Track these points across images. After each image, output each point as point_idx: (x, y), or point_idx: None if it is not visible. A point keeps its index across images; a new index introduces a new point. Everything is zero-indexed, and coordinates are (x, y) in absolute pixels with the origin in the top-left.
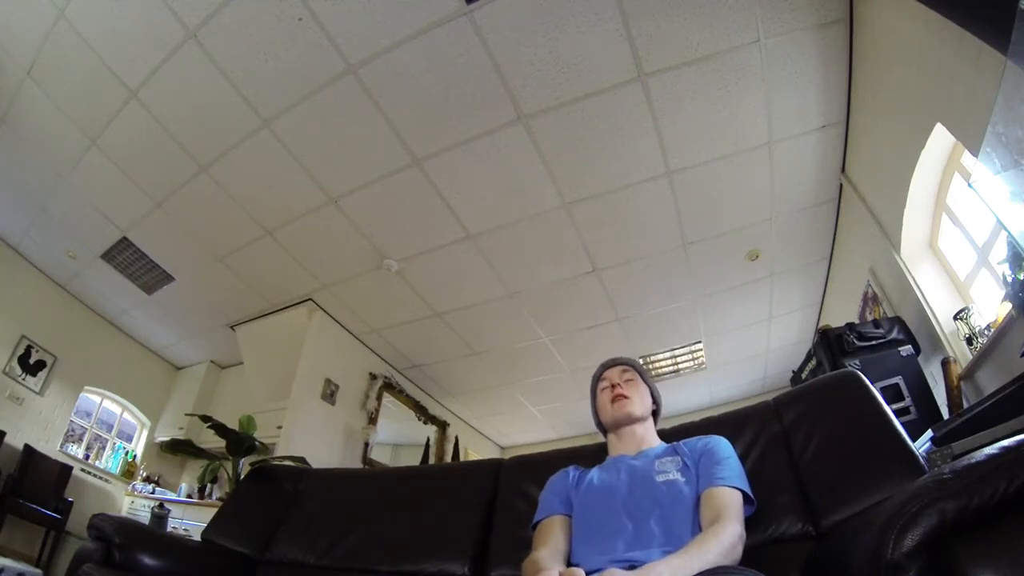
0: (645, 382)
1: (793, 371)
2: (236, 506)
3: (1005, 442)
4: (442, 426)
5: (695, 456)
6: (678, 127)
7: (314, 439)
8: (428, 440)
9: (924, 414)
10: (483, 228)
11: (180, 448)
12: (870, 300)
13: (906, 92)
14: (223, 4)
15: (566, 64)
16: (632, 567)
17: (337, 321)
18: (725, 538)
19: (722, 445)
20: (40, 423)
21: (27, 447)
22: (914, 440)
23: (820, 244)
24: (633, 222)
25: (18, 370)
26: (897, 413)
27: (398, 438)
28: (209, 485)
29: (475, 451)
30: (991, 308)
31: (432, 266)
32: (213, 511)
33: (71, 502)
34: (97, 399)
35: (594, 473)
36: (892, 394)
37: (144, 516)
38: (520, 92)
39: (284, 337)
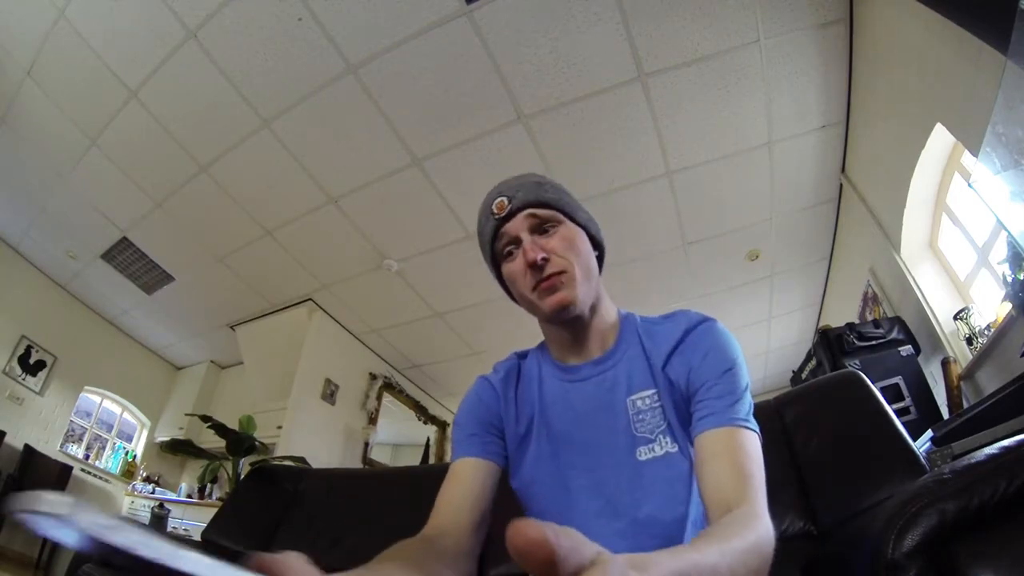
0: (575, 219)
1: (793, 371)
2: (236, 506)
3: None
4: (442, 426)
5: (684, 369)
6: (678, 127)
7: (314, 439)
8: (428, 440)
9: (924, 414)
10: None
11: (180, 448)
12: (870, 300)
13: (906, 92)
14: (223, 4)
15: (566, 64)
16: None
17: (337, 321)
18: (760, 542)
19: (725, 344)
20: (40, 423)
21: (27, 447)
22: (914, 440)
23: (820, 244)
24: (633, 222)
25: (18, 370)
26: (897, 413)
27: (398, 438)
28: (209, 485)
29: None
30: (991, 308)
31: (432, 266)
32: (213, 511)
33: None
34: (97, 399)
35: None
36: (892, 394)
37: (144, 516)
38: (520, 92)
39: (284, 337)
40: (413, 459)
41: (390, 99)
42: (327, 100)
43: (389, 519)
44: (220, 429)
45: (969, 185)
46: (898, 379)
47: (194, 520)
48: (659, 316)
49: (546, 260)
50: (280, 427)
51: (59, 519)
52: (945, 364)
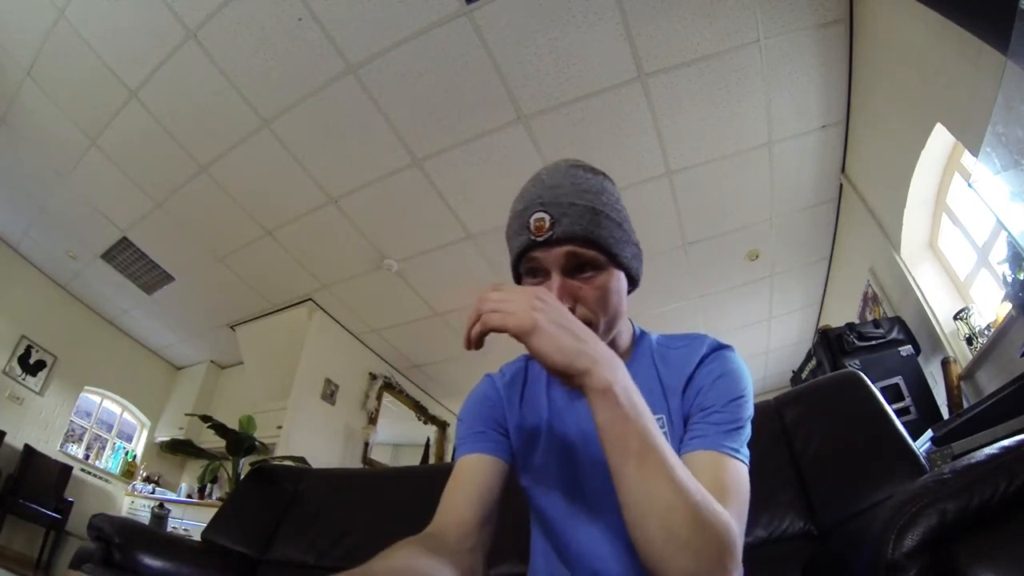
0: (620, 261)
1: (793, 371)
2: (236, 506)
3: (1005, 442)
4: (442, 426)
5: (693, 394)
6: (678, 127)
7: (314, 439)
8: (428, 440)
9: (924, 414)
10: (483, 228)
11: (180, 448)
12: (870, 300)
13: (906, 92)
14: (223, 4)
15: (566, 64)
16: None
17: (337, 321)
18: (718, 517)
19: (737, 373)
20: (40, 423)
21: (27, 447)
22: (914, 440)
23: (820, 244)
24: (633, 222)
25: (18, 370)
26: (897, 413)
27: (398, 438)
28: (209, 485)
29: None
30: (991, 308)
31: (432, 266)
32: (213, 511)
33: (71, 502)
34: (97, 399)
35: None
36: (892, 394)
37: (144, 516)
38: (520, 92)
39: (284, 337)
40: (413, 459)
41: (390, 99)
42: (327, 100)
43: (389, 519)
44: (220, 429)
45: (969, 185)
46: (898, 379)
47: (194, 520)
48: (676, 336)
49: (571, 311)
50: (280, 427)
51: None
52: (945, 364)
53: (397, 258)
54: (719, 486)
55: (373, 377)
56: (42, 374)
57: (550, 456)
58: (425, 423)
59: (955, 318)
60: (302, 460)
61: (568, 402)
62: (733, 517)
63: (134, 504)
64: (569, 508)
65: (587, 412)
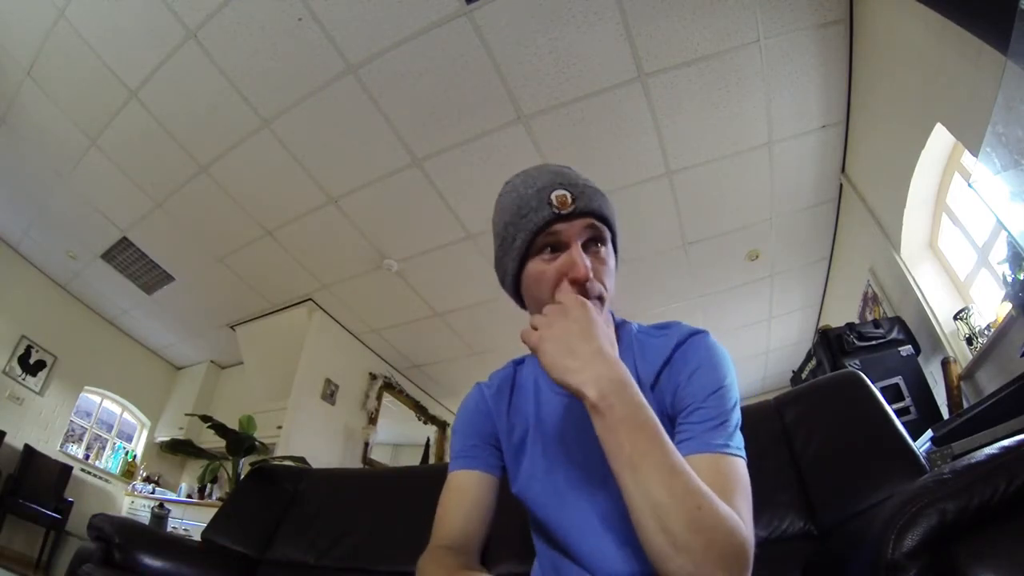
0: (615, 242)
1: (793, 371)
2: (236, 506)
3: (1005, 442)
4: (442, 426)
5: (671, 388)
6: (678, 127)
7: (314, 439)
8: (428, 440)
9: (924, 414)
10: (483, 228)
11: (180, 448)
12: (870, 300)
13: (906, 92)
14: (223, 4)
15: (566, 64)
16: None
17: (337, 321)
18: (728, 519)
19: (714, 361)
20: (40, 423)
21: (27, 447)
22: (914, 440)
23: (820, 244)
24: (633, 222)
25: (18, 370)
26: (897, 413)
27: (398, 438)
28: (209, 485)
29: None
30: (991, 308)
31: (432, 266)
32: (213, 511)
33: (71, 502)
34: (97, 399)
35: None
36: (892, 394)
37: (144, 516)
38: (520, 92)
39: (284, 337)
40: (413, 459)
41: (390, 99)
42: (327, 100)
43: (389, 519)
44: (220, 429)
45: (969, 185)
46: (898, 379)
47: (194, 520)
48: (654, 326)
49: (591, 281)
50: (280, 427)
51: None
52: (945, 364)
53: (397, 258)
54: (722, 488)
55: (373, 377)
56: (42, 374)
57: (537, 461)
58: (425, 423)
59: (955, 318)
60: (302, 460)
61: (556, 405)
62: (745, 516)
63: (134, 504)
64: (561, 509)
65: (572, 414)
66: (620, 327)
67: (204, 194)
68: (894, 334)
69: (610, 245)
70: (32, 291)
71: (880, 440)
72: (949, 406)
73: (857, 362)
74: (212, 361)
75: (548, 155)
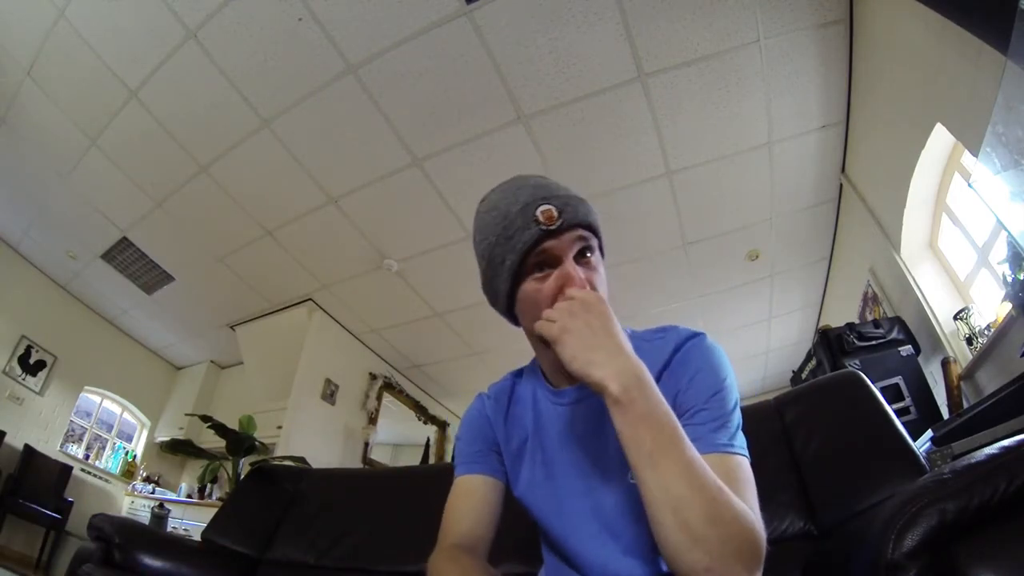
0: (602, 250)
1: (793, 371)
2: (236, 506)
3: (1005, 442)
4: (442, 426)
5: (671, 392)
6: (678, 127)
7: (314, 439)
8: (428, 440)
9: (924, 414)
10: None
11: (180, 448)
12: (870, 300)
13: (906, 92)
14: (223, 4)
15: (566, 64)
16: None
17: (337, 321)
18: (744, 516)
19: (713, 364)
20: (40, 423)
21: (27, 447)
22: (914, 440)
23: (820, 244)
24: (633, 222)
25: (18, 370)
26: (897, 413)
27: (398, 438)
28: (209, 485)
29: None
30: (991, 308)
31: (432, 266)
32: (213, 511)
33: (71, 502)
34: (97, 399)
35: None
36: (892, 394)
37: (144, 516)
38: (520, 92)
39: (284, 337)
40: (413, 459)
41: (390, 99)
42: (327, 100)
43: (389, 519)
44: (220, 429)
45: (969, 185)
46: (898, 379)
47: (194, 520)
48: (651, 331)
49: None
50: (280, 427)
51: None
52: (945, 364)
53: (397, 258)
54: (728, 486)
55: (373, 377)
56: (42, 374)
57: (537, 469)
58: (425, 423)
59: (955, 318)
60: (302, 460)
61: (554, 415)
62: (755, 513)
63: (134, 504)
64: (560, 515)
65: (571, 424)
66: None
67: (204, 194)
68: (894, 334)
69: (598, 252)
70: (32, 291)
71: (880, 440)
72: (949, 406)
73: (857, 362)
74: (212, 361)
75: (548, 155)
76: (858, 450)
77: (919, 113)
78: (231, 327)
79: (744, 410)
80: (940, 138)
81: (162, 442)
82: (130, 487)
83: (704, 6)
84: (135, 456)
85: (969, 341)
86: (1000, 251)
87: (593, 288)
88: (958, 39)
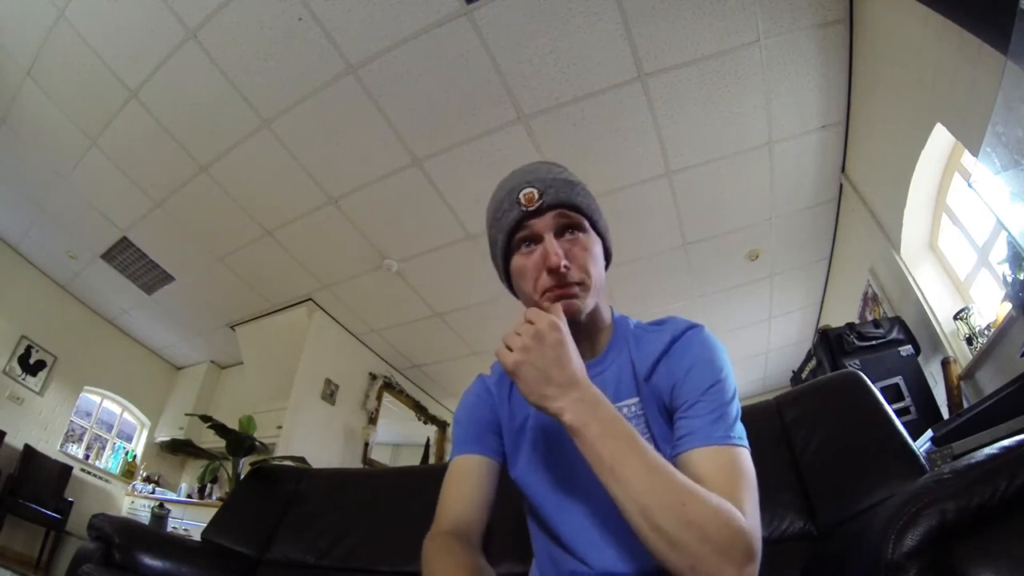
0: (596, 228)
1: (793, 371)
2: (236, 506)
3: (1005, 442)
4: (442, 426)
5: (668, 383)
6: (678, 127)
7: (314, 439)
8: (428, 440)
9: (924, 414)
10: (483, 228)
11: (180, 448)
12: (870, 300)
13: (906, 92)
14: (223, 4)
15: (566, 64)
16: None
17: (337, 321)
18: (724, 514)
19: (710, 355)
20: (40, 423)
21: (27, 447)
22: (914, 440)
23: (820, 244)
24: (633, 222)
25: (18, 370)
26: (897, 413)
27: (398, 438)
28: (209, 485)
29: None
30: (991, 308)
31: (432, 266)
32: (213, 511)
33: (71, 502)
34: (97, 399)
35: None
36: (892, 394)
37: (144, 516)
38: (520, 92)
39: (284, 337)
40: (413, 459)
41: (390, 99)
42: (327, 100)
43: (389, 519)
44: (220, 429)
45: (969, 185)
46: (898, 379)
47: (194, 520)
48: (652, 322)
49: (567, 268)
50: (280, 427)
51: None
52: (945, 364)
53: (397, 258)
54: (726, 479)
55: (373, 377)
56: (42, 374)
57: (536, 449)
58: (425, 423)
59: (955, 318)
60: (302, 460)
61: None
62: (748, 506)
63: (134, 504)
64: (556, 498)
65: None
66: (618, 322)
67: (204, 194)
68: (894, 334)
69: (591, 232)
70: (32, 291)
71: (880, 440)
72: (949, 406)
73: (857, 362)
74: (212, 361)
75: (548, 155)
76: (858, 450)
77: (919, 113)
78: (231, 327)
79: (744, 410)
80: (940, 138)
81: (162, 442)
82: (130, 487)
83: (704, 6)
84: (135, 456)
85: (969, 341)
86: (1000, 251)
87: (578, 265)
88: (958, 39)
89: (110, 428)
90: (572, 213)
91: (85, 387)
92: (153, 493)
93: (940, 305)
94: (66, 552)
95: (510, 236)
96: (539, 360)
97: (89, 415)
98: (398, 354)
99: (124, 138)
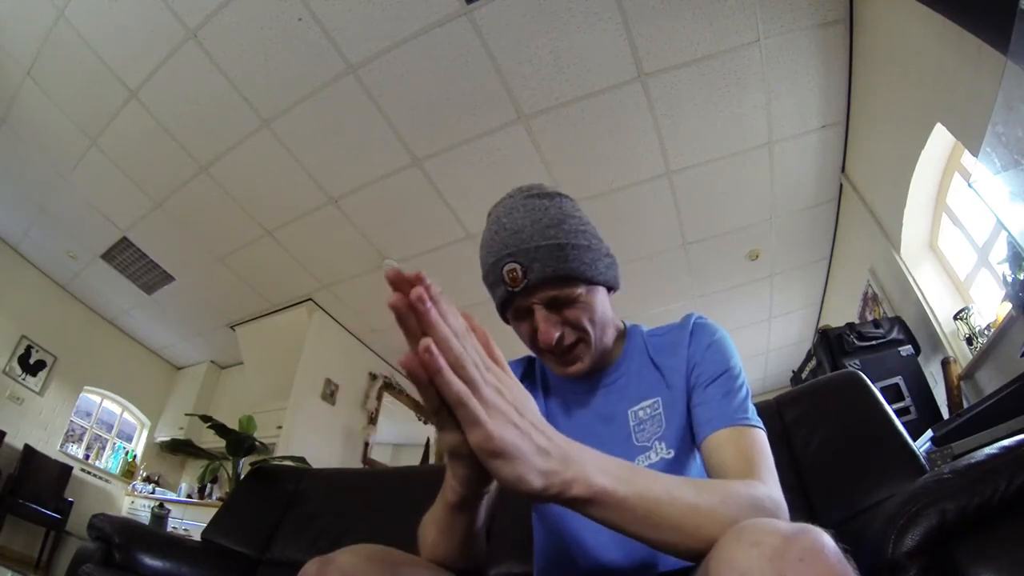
0: (595, 279)
1: (793, 371)
2: (236, 506)
3: (1005, 442)
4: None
5: (684, 376)
6: (678, 127)
7: (314, 439)
8: (428, 440)
9: (924, 414)
10: (483, 228)
11: (180, 448)
12: (870, 300)
13: (906, 92)
14: (223, 4)
15: (566, 64)
16: None
17: (337, 321)
18: (757, 501)
19: (724, 343)
20: (40, 423)
21: (27, 447)
22: (914, 440)
23: (820, 244)
24: (633, 222)
25: (18, 370)
26: (897, 413)
27: (398, 438)
28: (209, 485)
29: None
30: (991, 308)
31: (432, 266)
32: (213, 511)
33: (71, 502)
34: (97, 399)
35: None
36: (892, 394)
37: (144, 516)
38: (520, 92)
39: (284, 337)
40: (413, 459)
41: (390, 99)
42: (327, 100)
43: (389, 519)
44: (220, 429)
45: (969, 185)
46: (898, 379)
47: (194, 520)
48: (662, 327)
49: (561, 338)
50: (280, 427)
51: None
52: (945, 364)
53: (397, 258)
54: (745, 460)
55: (373, 377)
56: (42, 374)
57: None
58: (425, 423)
59: (955, 318)
60: (302, 460)
61: (564, 405)
62: (768, 485)
63: (134, 504)
64: (562, 513)
65: (582, 411)
66: (630, 331)
67: (204, 194)
68: (894, 334)
69: (584, 289)
70: (32, 291)
71: (880, 440)
72: (949, 406)
73: (857, 362)
74: (212, 361)
75: (548, 155)
76: (858, 450)
77: (919, 113)
78: (231, 327)
79: None
80: (940, 138)
81: (162, 442)
82: (130, 487)
83: (704, 6)
84: (135, 456)
85: (969, 341)
86: (1000, 251)
87: (573, 325)
88: (958, 39)
89: (110, 428)
90: (563, 289)
91: (85, 387)
92: (153, 493)
93: (940, 305)
94: (66, 552)
95: (501, 310)
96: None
97: (89, 415)
98: (398, 354)
99: (124, 138)
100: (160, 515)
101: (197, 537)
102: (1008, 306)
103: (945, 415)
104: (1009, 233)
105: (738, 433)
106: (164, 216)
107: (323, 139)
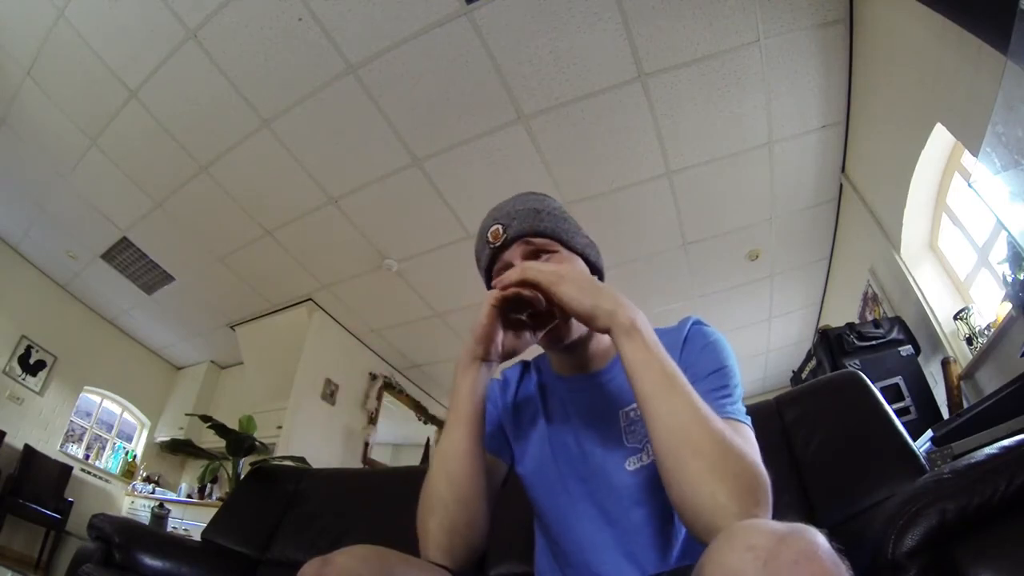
0: (572, 246)
1: (793, 371)
2: (236, 506)
3: (1005, 442)
4: (442, 426)
5: (684, 368)
6: (678, 127)
7: (314, 439)
8: (428, 440)
9: (924, 414)
10: None
11: (180, 448)
12: (870, 300)
13: (906, 92)
14: (223, 4)
15: (566, 64)
16: None
17: (337, 321)
18: (748, 453)
19: (719, 344)
20: (40, 423)
21: (27, 447)
22: (914, 440)
23: (820, 244)
24: (633, 222)
25: (18, 370)
26: (897, 413)
27: (398, 438)
28: (209, 485)
29: None
30: (991, 308)
31: (432, 266)
32: (213, 511)
33: (71, 502)
34: (97, 399)
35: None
36: (892, 394)
37: (144, 516)
38: (520, 92)
39: (284, 337)
40: (413, 459)
41: (390, 99)
42: (327, 100)
43: (389, 519)
44: (220, 429)
45: (969, 185)
46: (898, 379)
47: (194, 520)
48: (663, 328)
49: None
50: (280, 427)
51: None
52: (945, 364)
53: (397, 258)
54: None
55: (373, 377)
56: (42, 374)
57: (543, 448)
58: (425, 423)
59: (955, 318)
60: (302, 460)
61: (560, 404)
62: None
63: (134, 504)
64: (560, 503)
65: (577, 410)
66: None
67: (204, 194)
68: (894, 334)
69: (565, 251)
70: (32, 291)
71: (880, 440)
72: (949, 406)
73: (857, 362)
74: (212, 361)
75: (548, 155)
76: (858, 450)
77: (919, 113)
78: (231, 327)
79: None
80: (940, 138)
81: (162, 442)
82: (130, 487)
83: (704, 6)
84: (135, 456)
85: (969, 341)
86: (1000, 251)
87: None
88: (958, 39)
89: (110, 428)
90: (537, 239)
91: (85, 387)
92: (153, 493)
93: (940, 305)
94: (66, 552)
95: (488, 274)
96: (579, 275)
97: (89, 415)
98: (398, 354)
99: (124, 138)
100: (160, 515)
101: (197, 537)
102: (1008, 306)
103: (945, 415)
104: (1009, 233)
105: (728, 423)
106: (164, 216)
107: (323, 139)
